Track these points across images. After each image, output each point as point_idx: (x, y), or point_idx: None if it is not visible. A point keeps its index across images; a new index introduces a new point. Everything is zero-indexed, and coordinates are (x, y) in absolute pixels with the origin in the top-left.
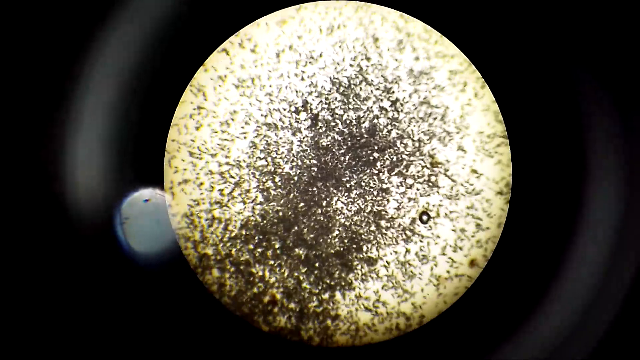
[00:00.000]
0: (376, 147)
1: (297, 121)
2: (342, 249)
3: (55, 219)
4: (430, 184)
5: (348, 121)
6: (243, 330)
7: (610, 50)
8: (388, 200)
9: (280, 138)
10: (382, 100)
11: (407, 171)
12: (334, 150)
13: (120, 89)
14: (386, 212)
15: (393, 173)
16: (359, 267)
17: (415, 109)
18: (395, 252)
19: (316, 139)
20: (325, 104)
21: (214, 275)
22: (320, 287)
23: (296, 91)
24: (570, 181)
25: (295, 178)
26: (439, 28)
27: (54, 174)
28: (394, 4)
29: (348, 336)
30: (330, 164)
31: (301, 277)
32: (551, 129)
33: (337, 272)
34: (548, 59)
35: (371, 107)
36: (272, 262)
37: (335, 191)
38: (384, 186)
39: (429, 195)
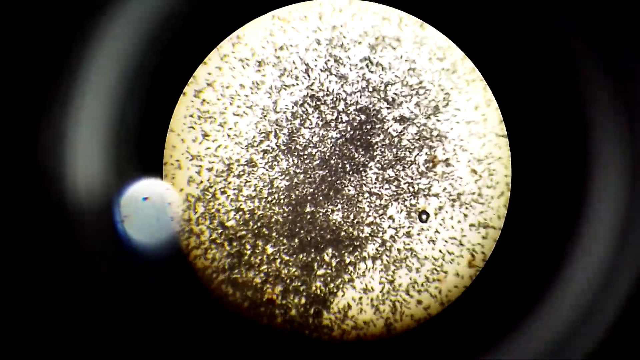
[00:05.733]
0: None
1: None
2: (342, 247)
3: (54, 216)
4: (430, 182)
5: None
6: (243, 328)
7: (614, 44)
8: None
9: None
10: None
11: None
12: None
13: (120, 83)
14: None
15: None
16: (358, 265)
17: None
18: (394, 252)
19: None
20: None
21: (216, 276)
22: (319, 286)
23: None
24: (571, 180)
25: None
26: (439, 26)
27: (53, 169)
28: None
29: (346, 333)
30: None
31: (301, 272)
32: (552, 128)
33: (337, 270)
34: (549, 56)
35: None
36: (272, 257)
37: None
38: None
39: (428, 194)
